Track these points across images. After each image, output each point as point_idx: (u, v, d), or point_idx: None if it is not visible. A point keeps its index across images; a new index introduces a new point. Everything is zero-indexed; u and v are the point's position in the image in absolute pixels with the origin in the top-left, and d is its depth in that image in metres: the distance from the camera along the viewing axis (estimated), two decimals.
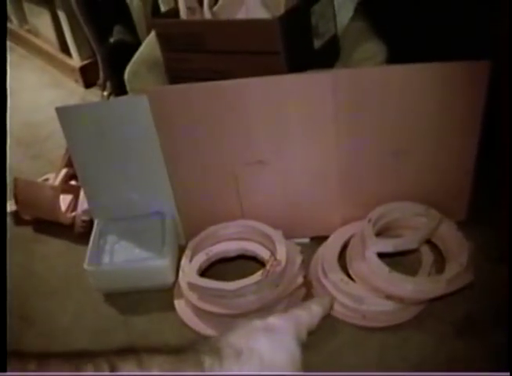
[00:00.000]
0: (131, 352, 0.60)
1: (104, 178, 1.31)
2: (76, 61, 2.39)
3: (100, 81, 2.36)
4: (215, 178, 1.28)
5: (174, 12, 1.49)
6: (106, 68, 2.30)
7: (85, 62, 2.38)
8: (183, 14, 1.46)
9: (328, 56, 1.52)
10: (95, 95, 2.35)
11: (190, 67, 1.46)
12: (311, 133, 1.20)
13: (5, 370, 0.53)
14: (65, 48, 2.47)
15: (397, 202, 1.26)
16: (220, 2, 1.49)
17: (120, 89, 1.82)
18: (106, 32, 2.26)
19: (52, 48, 2.53)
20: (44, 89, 2.44)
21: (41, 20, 2.49)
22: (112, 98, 1.41)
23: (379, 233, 1.21)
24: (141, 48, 1.58)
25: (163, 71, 1.52)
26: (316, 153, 1.23)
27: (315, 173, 1.26)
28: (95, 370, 0.55)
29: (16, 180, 1.53)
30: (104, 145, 1.26)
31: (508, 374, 0.74)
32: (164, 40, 1.46)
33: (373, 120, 1.20)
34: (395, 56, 1.47)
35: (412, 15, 1.57)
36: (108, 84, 2.32)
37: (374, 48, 1.51)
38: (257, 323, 0.74)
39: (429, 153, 1.24)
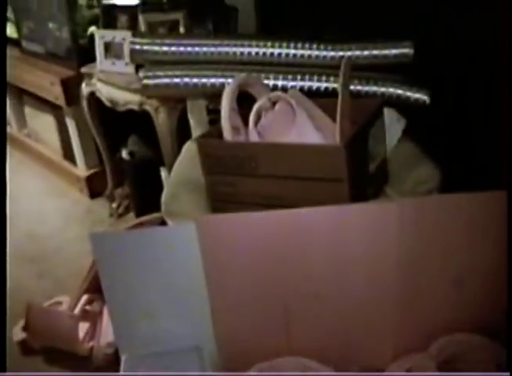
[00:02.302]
0: None
1: (138, 309, 1.16)
2: (81, 170, 2.28)
3: (108, 191, 2.24)
4: (264, 310, 1.16)
5: (217, 131, 1.40)
6: (117, 180, 2.19)
7: (91, 171, 2.26)
8: (227, 134, 1.38)
9: (380, 180, 1.45)
10: (101, 206, 2.22)
11: (237, 192, 1.36)
12: (373, 263, 1.12)
13: (4, 370, 0.56)
14: (69, 156, 2.36)
15: (457, 334, 1.15)
16: (266, 121, 1.41)
17: (141, 207, 1.70)
18: (118, 142, 2.17)
19: (55, 154, 2.43)
20: (46, 198, 2.31)
21: (44, 126, 2.40)
22: (154, 227, 1.28)
23: (439, 367, 1.10)
24: (176, 168, 1.48)
25: (204, 194, 1.40)
26: (376, 284, 1.13)
27: (372, 304, 1.16)
28: None
29: (29, 307, 1.41)
30: (142, 274, 1.14)
31: (508, 374, 0.77)
32: (209, 162, 1.36)
33: (437, 248, 1.11)
34: (449, 180, 1.42)
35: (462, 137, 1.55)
36: (116, 195, 2.20)
37: (428, 172, 1.46)
38: None
39: (488, 281, 1.14)
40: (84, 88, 2.05)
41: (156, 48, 1.58)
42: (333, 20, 1.82)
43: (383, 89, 1.54)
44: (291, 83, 1.53)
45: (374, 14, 1.72)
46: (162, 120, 1.74)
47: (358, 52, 1.55)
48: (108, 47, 1.93)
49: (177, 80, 1.54)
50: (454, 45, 1.57)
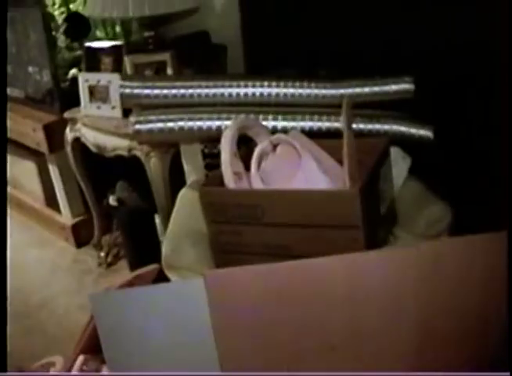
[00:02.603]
0: None
1: (141, 369, 1.07)
2: (66, 218, 2.18)
3: (95, 240, 2.14)
4: (276, 364, 1.07)
5: (218, 178, 1.33)
6: (104, 227, 2.09)
7: (77, 219, 2.16)
8: (229, 181, 1.30)
9: (390, 222, 1.39)
10: (88, 255, 2.13)
11: (242, 241, 1.29)
12: (391, 308, 1.05)
13: (5, 370, 0.58)
14: (52, 204, 2.26)
15: None
16: (269, 165, 1.35)
17: (135, 257, 1.60)
18: (105, 188, 2.08)
19: (37, 202, 2.33)
20: (29, 248, 2.20)
21: (25, 173, 2.30)
22: (162, 284, 1.18)
23: None
24: (174, 218, 1.41)
25: (206, 245, 1.32)
26: (393, 329, 1.06)
27: (389, 350, 1.08)
28: None
29: (19, 370, 1.30)
30: (145, 333, 1.06)
31: (508, 374, 0.77)
32: (212, 210, 1.28)
33: (456, 290, 1.05)
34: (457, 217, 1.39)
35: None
36: (104, 242, 2.10)
37: (439, 211, 1.42)
38: None
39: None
40: (68, 134, 1.97)
41: (147, 91, 1.50)
42: (324, 56, 1.77)
43: (386, 127, 1.48)
44: (291, 123, 1.47)
45: (367, 49, 1.68)
46: (154, 166, 1.66)
47: (358, 90, 1.50)
48: (93, 90, 1.85)
49: (171, 124, 1.47)
50: (455, 77, 1.53)
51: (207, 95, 1.49)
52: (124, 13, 1.74)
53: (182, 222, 1.38)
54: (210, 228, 1.31)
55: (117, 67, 1.90)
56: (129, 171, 2.05)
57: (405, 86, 1.50)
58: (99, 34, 2.20)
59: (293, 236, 1.22)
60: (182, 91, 1.49)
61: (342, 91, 1.50)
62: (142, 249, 1.55)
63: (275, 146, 1.37)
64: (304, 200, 1.19)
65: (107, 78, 1.82)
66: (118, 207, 1.84)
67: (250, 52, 1.97)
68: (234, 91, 1.49)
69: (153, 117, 1.47)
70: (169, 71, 1.83)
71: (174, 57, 1.83)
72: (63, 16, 2.23)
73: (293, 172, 1.33)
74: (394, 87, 1.50)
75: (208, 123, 1.47)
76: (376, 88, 1.50)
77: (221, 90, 1.49)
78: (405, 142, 1.48)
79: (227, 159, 1.30)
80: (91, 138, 1.85)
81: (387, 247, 1.16)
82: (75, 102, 1.97)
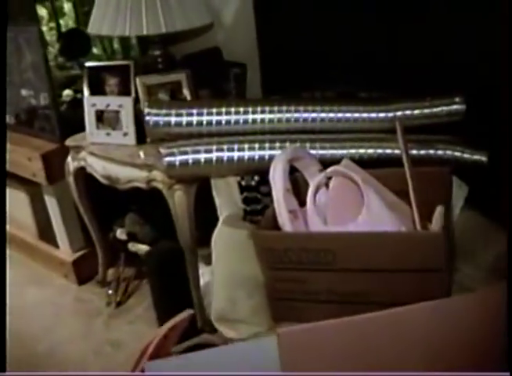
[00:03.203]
0: None
1: None
2: (65, 253, 2.00)
3: (99, 276, 1.96)
4: None
5: (270, 218, 1.20)
6: (109, 262, 1.91)
7: (78, 254, 1.98)
8: (284, 221, 1.18)
9: (452, 256, 1.29)
10: (93, 293, 1.95)
11: (307, 289, 1.16)
12: (478, 349, 0.93)
13: (4, 370, 0.63)
14: (47, 237, 2.07)
15: None
16: (324, 201, 1.22)
17: (166, 305, 1.44)
18: (109, 221, 1.91)
19: (30, 236, 2.12)
20: (24, 288, 2.01)
21: (16, 205, 2.09)
22: (236, 343, 1.04)
23: None
24: (219, 263, 1.27)
25: (262, 294, 1.18)
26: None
27: None
28: None
29: None
30: None
31: (508, 374, 0.76)
32: (271, 256, 1.15)
33: None
34: None
35: None
36: (111, 278, 1.92)
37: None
38: None
39: None
40: (71, 164, 1.78)
41: (177, 118, 1.35)
42: (352, 75, 1.64)
43: (440, 152, 1.37)
44: (340, 152, 1.34)
45: (395, 66, 1.57)
46: (178, 199, 1.50)
47: (408, 112, 1.38)
48: (101, 115, 1.68)
49: (207, 155, 1.32)
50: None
51: (245, 122, 1.35)
52: (137, 31, 1.58)
53: (231, 266, 1.23)
54: (266, 274, 1.17)
55: (125, 89, 1.73)
56: (136, 201, 1.89)
57: (456, 107, 1.39)
58: (96, 51, 2.02)
59: (369, 281, 1.11)
60: (217, 117, 1.35)
61: (391, 114, 1.38)
62: (173, 295, 1.39)
63: (328, 179, 1.25)
64: (384, 243, 1.07)
65: (118, 102, 1.65)
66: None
67: (267, 70, 1.83)
68: (275, 116, 1.36)
69: (187, 149, 1.32)
70: (185, 93, 1.68)
71: (189, 77, 1.68)
72: (54, 32, 2.05)
73: (356, 209, 1.20)
74: (445, 109, 1.39)
75: (250, 153, 1.33)
76: (426, 111, 1.39)
77: (260, 116, 1.36)
78: (459, 168, 1.38)
79: (280, 197, 1.17)
80: (100, 168, 1.68)
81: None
82: (76, 127, 1.80)
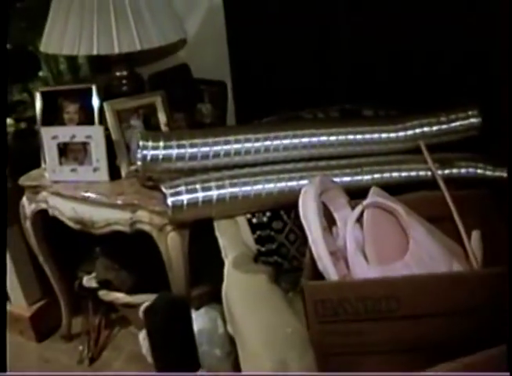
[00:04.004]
0: None
1: None
2: (20, 307, 1.72)
3: (63, 330, 1.70)
4: None
5: (311, 268, 1.05)
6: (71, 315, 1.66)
7: (35, 307, 1.71)
8: (326, 265, 1.02)
9: None
10: (58, 350, 1.68)
11: (365, 341, 1.02)
12: None
13: (5, 371, 0.60)
14: None
15: None
16: (361, 237, 1.09)
17: (170, 364, 1.23)
18: (69, 268, 1.66)
19: None
20: None
21: None
22: None
23: None
24: (246, 317, 1.09)
25: (311, 350, 1.02)
26: None
27: None
28: None
29: None
30: None
31: (508, 374, 0.76)
32: (322, 309, 0.98)
33: None
34: None
35: None
36: (82, 333, 1.67)
37: None
38: None
39: None
40: (27, 207, 1.53)
41: (179, 151, 1.16)
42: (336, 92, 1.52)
43: (463, 171, 1.28)
44: (365, 177, 1.21)
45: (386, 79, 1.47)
46: (172, 242, 1.30)
47: (426, 129, 1.27)
48: (64, 149, 1.45)
49: (220, 192, 1.14)
50: None
51: (257, 151, 1.18)
52: (107, 50, 1.36)
53: (264, 321, 1.05)
54: (315, 329, 1.01)
55: (86, 117, 1.51)
56: (102, 243, 1.65)
57: (473, 121, 1.31)
58: (41, 73, 1.76)
59: (437, 326, 0.98)
60: (226, 147, 1.17)
61: (411, 132, 1.26)
62: (179, 352, 1.20)
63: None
64: (457, 284, 0.95)
65: (85, 133, 1.42)
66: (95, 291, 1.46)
67: (240, 87, 1.67)
68: (289, 142, 1.20)
69: (196, 186, 1.14)
70: (161, 117, 1.48)
71: (165, 99, 1.48)
72: None
73: (400, 244, 1.08)
74: (463, 123, 1.30)
75: (268, 186, 1.16)
76: (444, 127, 1.29)
77: (272, 143, 1.19)
78: (481, 186, 1.29)
79: (319, 238, 1.02)
80: (69, 211, 1.43)
81: None
82: (25, 163, 1.55)
